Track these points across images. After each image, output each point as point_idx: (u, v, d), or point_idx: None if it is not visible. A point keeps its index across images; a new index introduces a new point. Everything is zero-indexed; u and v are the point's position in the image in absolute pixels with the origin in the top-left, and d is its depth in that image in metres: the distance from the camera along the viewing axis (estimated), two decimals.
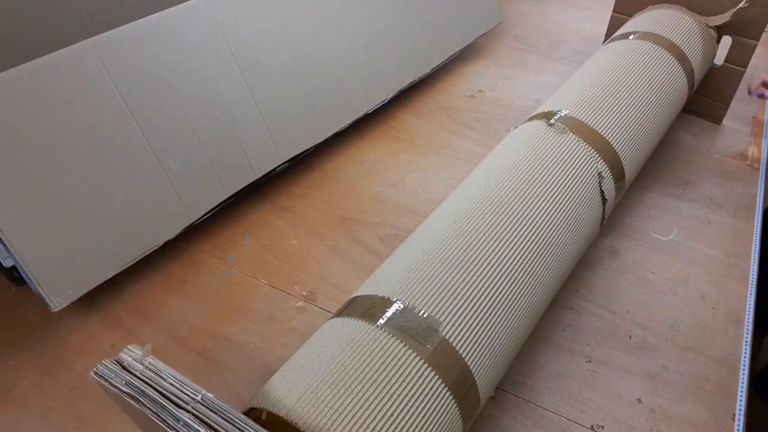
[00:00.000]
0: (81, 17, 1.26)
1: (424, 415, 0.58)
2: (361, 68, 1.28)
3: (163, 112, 0.97)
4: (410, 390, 0.58)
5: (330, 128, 1.23)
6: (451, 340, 0.63)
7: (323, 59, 1.21)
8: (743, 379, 0.84)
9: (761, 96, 1.18)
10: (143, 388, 0.50)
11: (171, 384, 0.51)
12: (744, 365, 0.85)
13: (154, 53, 0.97)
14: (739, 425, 0.79)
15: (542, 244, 0.76)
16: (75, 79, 0.88)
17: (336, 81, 1.23)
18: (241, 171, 1.08)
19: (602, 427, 0.78)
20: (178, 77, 0.99)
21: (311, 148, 1.19)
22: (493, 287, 0.69)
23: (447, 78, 1.56)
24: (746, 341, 0.88)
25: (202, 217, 1.03)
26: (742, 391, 0.82)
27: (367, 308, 0.65)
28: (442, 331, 0.63)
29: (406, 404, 0.58)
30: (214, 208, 1.05)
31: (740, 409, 0.80)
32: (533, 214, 0.77)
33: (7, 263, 0.86)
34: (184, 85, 1.00)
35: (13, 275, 0.88)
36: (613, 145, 0.91)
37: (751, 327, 0.91)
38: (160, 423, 0.48)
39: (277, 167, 1.14)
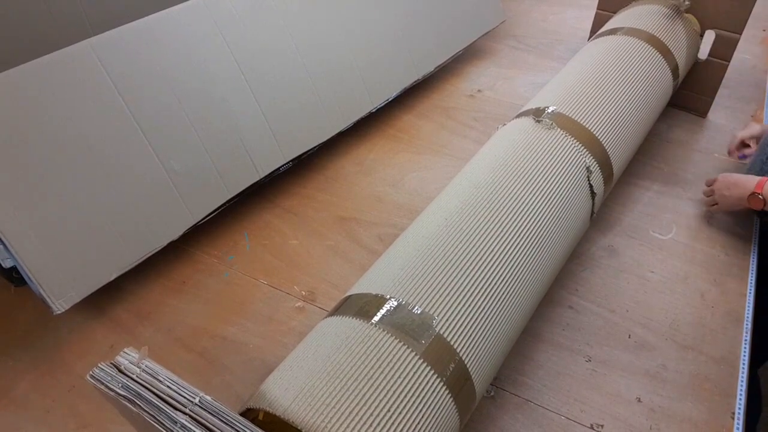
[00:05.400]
0: (80, 17, 1.26)
1: (421, 411, 0.59)
2: (365, 67, 1.28)
3: (164, 112, 0.97)
4: (406, 386, 0.59)
5: (334, 127, 1.22)
6: (445, 335, 0.63)
7: (326, 58, 1.21)
8: (743, 377, 0.84)
9: (742, 157, 1.18)
10: (140, 391, 0.50)
11: (168, 387, 0.51)
12: (743, 364, 0.85)
13: (154, 53, 0.97)
14: (738, 424, 0.78)
15: (533, 239, 0.76)
16: (75, 79, 0.88)
17: (339, 80, 1.23)
18: (245, 171, 1.08)
19: (602, 426, 0.78)
20: (179, 77, 0.99)
21: (315, 147, 1.19)
22: (485, 282, 0.69)
23: (446, 78, 1.56)
24: (746, 340, 0.88)
25: (205, 217, 1.03)
26: (741, 390, 0.82)
27: (361, 306, 0.65)
28: (436, 326, 0.63)
29: (402, 400, 0.58)
30: (217, 209, 1.04)
31: (740, 408, 0.80)
32: (524, 209, 0.77)
33: (7, 264, 0.86)
34: (185, 85, 1.00)
35: (13, 276, 0.88)
36: (601, 140, 0.92)
37: (750, 326, 0.91)
38: (157, 425, 0.48)
39: (280, 167, 1.14)
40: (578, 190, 0.85)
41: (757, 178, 0.98)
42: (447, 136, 1.34)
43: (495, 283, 0.70)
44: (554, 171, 0.83)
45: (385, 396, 0.57)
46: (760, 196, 0.96)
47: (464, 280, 0.68)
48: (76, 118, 0.88)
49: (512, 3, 1.97)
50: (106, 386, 0.51)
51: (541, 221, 0.78)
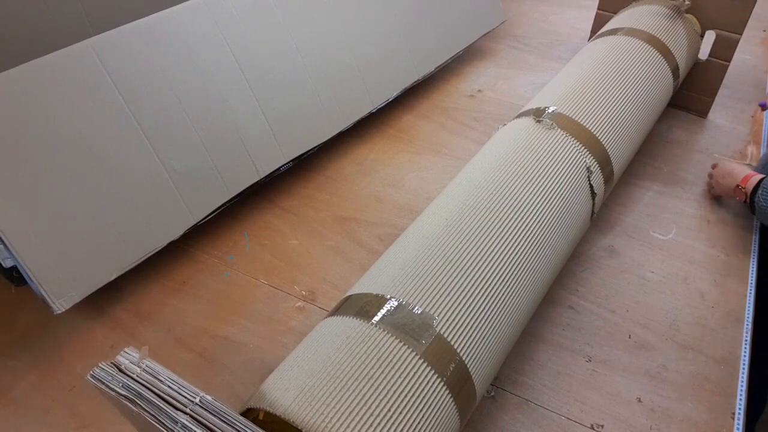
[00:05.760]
0: (80, 17, 1.26)
1: (421, 410, 0.59)
2: (365, 67, 1.28)
3: (164, 112, 0.97)
4: (406, 386, 0.59)
5: (334, 128, 1.22)
6: (445, 335, 0.63)
7: (326, 58, 1.20)
8: (743, 377, 0.84)
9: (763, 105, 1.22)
10: (140, 390, 0.50)
11: (169, 387, 0.51)
12: (744, 364, 0.85)
13: (154, 53, 0.97)
14: (738, 424, 0.78)
15: (533, 239, 0.76)
16: (75, 79, 0.88)
17: (339, 80, 1.23)
18: (245, 171, 1.08)
19: (602, 426, 0.78)
20: (179, 77, 0.99)
21: (315, 147, 1.19)
22: (486, 282, 0.69)
23: (446, 78, 1.56)
24: (746, 340, 0.88)
25: (206, 217, 1.03)
26: (741, 390, 0.82)
27: (361, 306, 0.65)
28: (436, 326, 0.63)
29: (403, 400, 0.58)
30: (217, 209, 1.04)
31: (740, 408, 0.80)
32: (524, 209, 0.77)
33: (7, 264, 0.86)
34: (185, 85, 1.00)
35: (13, 276, 0.88)
36: (601, 140, 0.92)
37: (750, 326, 0.91)
38: (158, 425, 0.48)
39: (281, 167, 1.13)
40: (578, 191, 0.85)
41: (747, 171, 0.99)
42: (447, 136, 1.34)
43: (495, 284, 0.70)
44: (554, 171, 0.83)
45: (385, 396, 0.57)
46: (743, 189, 0.98)
47: (465, 280, 0.68)
48: (76, 118, 0.88)
49: (512, 3, 1.97)
50: (107, 386, 0.51)
51: (541, 221, 0.78)
